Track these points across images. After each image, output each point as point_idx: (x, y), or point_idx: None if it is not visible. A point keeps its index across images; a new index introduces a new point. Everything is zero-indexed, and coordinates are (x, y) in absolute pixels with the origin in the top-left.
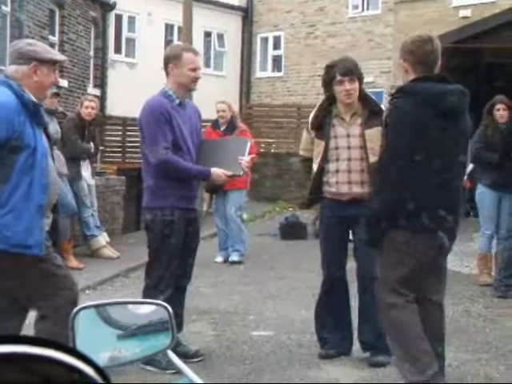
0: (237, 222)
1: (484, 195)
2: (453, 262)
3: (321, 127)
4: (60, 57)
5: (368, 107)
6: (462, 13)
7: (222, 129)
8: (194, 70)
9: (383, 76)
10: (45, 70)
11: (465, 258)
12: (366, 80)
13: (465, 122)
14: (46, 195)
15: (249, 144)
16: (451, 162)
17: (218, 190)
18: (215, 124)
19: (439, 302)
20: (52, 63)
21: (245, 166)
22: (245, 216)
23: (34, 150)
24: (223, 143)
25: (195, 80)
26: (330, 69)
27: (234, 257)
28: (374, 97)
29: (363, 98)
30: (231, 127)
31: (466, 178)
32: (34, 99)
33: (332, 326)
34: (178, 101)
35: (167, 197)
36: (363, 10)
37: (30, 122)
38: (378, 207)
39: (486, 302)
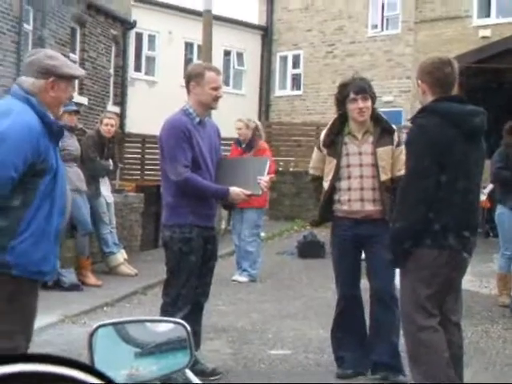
0: (249, 241)
1: (504, 216)
2: (472, 283)
3: (333, 145)
4: (79, 72)
5: (380, 126)
6: (482, 33)
7: (242, 146)
8: (216, 88)
9: (402, 95)
10: (62, 86)
11: (484, 278)
12: (385, 99)
13: (483, 143)
14: (63, 218)
15: (268, 164)
16: (473, 183)
17: (234, 207)
18: (237, 141)
19: (458, 322)
20: (70, 78)
21: (264, 185)
22: (263, 234)
23: (56, 172)
24: (242, 162)
25: (216, 99)
26: (343, 87)
27: (241, 277)
28: (385, 116)
29: (375, 116)
30: (250, 145)
31: (485, 198)
32: (58, 121)
33: (349, 346)
34: (198, 119)
35: (186, 214)
36: (382, 29)
37: (53, 143)
38: (402, 226)
39: (505, 323)
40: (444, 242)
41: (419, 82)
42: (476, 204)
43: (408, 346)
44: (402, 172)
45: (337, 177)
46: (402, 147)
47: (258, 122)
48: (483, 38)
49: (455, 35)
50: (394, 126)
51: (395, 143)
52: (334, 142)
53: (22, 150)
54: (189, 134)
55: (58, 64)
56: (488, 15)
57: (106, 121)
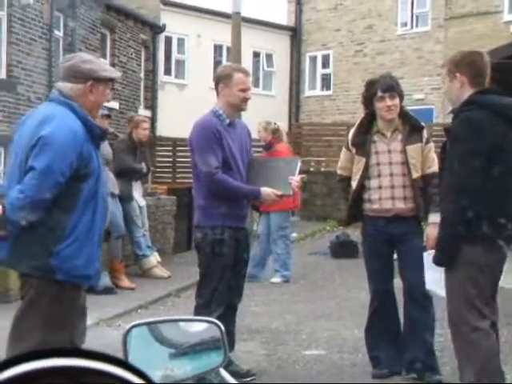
0: (279, 244)
1: None
2: (506, 280)
3: (361, 144)
4: (116, 74)
5: (409, 123)
6: None
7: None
8: (244, 90)
9: (434, 93)
10: (101, 89)
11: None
12: (416, 97)
13: None
14: (105, 222)
15: (299, 164)
16: None
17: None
18: (265, 147)
19: (495, 322)
20: (108, 81)
21: (295, 185)
22: (294, 235)
23: (98, 176)
24: (274, 162)
25: (245, 100)
26: (370, 86)
27: (275, 278)
28: (416, 114)
29: (403, 114)
30: (267, 147)
31: None
32: (99, 125)
33: (383, 345)
34: (228, 120)
35: (217, 216)
36: (412, 27)
37: (94, 147)
38: (452, 223)
39: None
40: (492, 239)
41: (457, 74)
42: None
43: (459, 346)
44: (432, 169)
45: (366, 175)
46: (431, 144)
47: (279, 124)
48: None
49: (486, 31)
50: (422, 123)
51: (424, 140)
52: (362, 141)
53: (67, 155)
54: (219, 136)
55: (94, 67)
56: None
57: (144, 125)
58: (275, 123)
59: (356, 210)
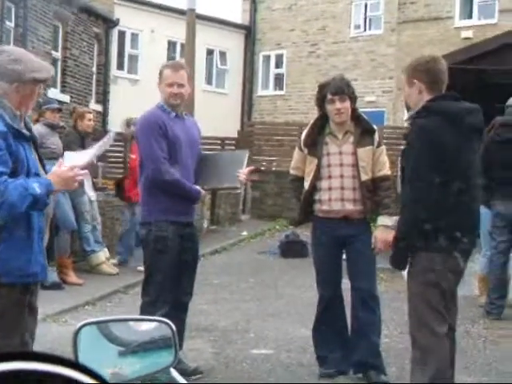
0: None
1: (485, 215)
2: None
3: (314, 145)
4: (45, 75)
5: (361, 126)
6: (464, 34)
7: None
8: (170, 85)
9: (385, 95)
10: (28, 90)
11: (465, 278)
12: (367, 99)
13: (479, 142)
14: (44, 216)
15: (247, 156)
16: (470, 182)
17: None
18: None
19: (453, 327)
20: (35, 83)
21: (242, 178)
22: (245, 233)
23: (28, 172)
24: (222, 156)
25: (172, 95)
26: (322, 88)
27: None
28: (368, 116)
29: (356, 116)
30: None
31: None
32: (25, 124)
33: (330, 345)
34: (173, 113)
35: (161, 212)
36: (365, 29)
37: (24, 143)
38: (410, 227)
39: (486, 324)
40: (453, 244)
41: (414, 81)
42: (473, 204)
43: (416, 348)
44: (383, 172)
45: (318, 176)
46: (383, 147)
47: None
48: (465, 39)
49: (437, 36)
50: (374, 127)
51: (376, 143)
52: (315, 142)
53: None
54: (164, 127)
55: (21, 69)
56: (470, 16)
57: (89, 116)
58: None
59: (307, 210)
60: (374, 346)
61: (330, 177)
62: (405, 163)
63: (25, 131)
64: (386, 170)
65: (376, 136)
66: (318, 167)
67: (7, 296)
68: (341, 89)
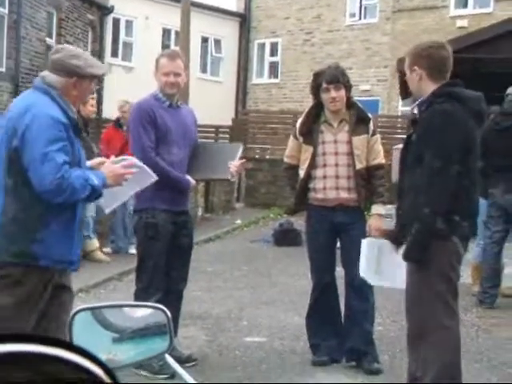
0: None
1: (481, 205)
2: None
3: (309, 133)
4: (102, 70)
5: (355, 114)
6: (459, 23)
7: (124, 128)
8: (167, 74)
9: (380, 84)
10: (85, 85)
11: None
12: (362, 88)
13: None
14: (85, 209)
15: (241, 149)
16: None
17: None
18: (117, 123)
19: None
20: (92, 78)
21: (233, 170)
22: (239, 221)
23: (79, 163)
24: (215, 147)
25: (168, 84)
26: (317, 76)
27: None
28: (362, 105)
29: (351, 105)
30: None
31: None
32: (78, 117)
33: (323, 333)
34: (168, 102)
35: (152, 199)
36: (360, 18)
37: (75, 136)
38: (429, 217)
39: (479, 312)
40: (463, 233)
41: (415, 67)
42: (472, 189)
43: (428, 348)
44: (377, 161)
45: (313, 165)
46: (377, 136)
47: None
48: (460, 28)
49: (432, 25)
50: (369, 115)
51: (371, 132)
52: (310, 131)
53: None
54: (154, 116)
55: (80, 64)
56: (465, 5)
57: (91, 101)
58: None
59: (303, 198)
60: (366, 334)
61: (324, 165)
62: (424, 148)
63: (80, 126)
64: (381, 159)
65: (371, 125)
66: (314, 155)
67: (39, 278)
68: (336, 77)
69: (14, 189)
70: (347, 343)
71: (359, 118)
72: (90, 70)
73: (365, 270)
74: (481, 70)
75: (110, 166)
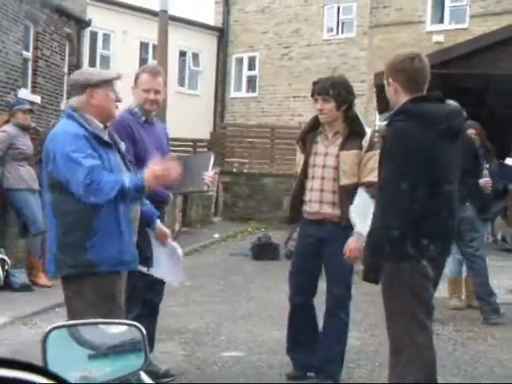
0: None
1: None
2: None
3: (305, 142)
4: (111, 75)
5: (350, 128)
6: (436, 38)
7: None
8: (147, 91)
9: (357, 99)
10: (100, 92)
11: None
12: None
13: (459, 145)
14: (131, 211)
15: (212, 158)
16: (450, 185)
17: None
18: None
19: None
20: (104, 84)
21: (208, 181)
22: (216, 235)
23: (111, 170)
24: (189, 159)
25: (148, 101)
26: (313, 85)
27: None
28: (362, 119)
29: (349, 117)
30: None
31: None
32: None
33: (299, 348)
34: (143, 118)
35: None
36: (338, 33)
37: (103, 148)
38: (392, 235)
39: (455, 326)
40: (428, 252)
41: (390, 80)
42: (443, 211)
43: (405, 367)
44: (368, 179)
45: (304, 175)
46: (373, 153)
47: None
48: (436, 43)
49: (409, 40)
50: (367, 131)
51: (365, 148)
52: (306, 140)
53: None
54: (131, 131)
55: (89, 75)
56: (441, 21)
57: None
58: None
59: (295, 209)
60: (333, 353)
61: (313, 177)
62: (381, 169)
63: (106, 138)
64: (372, 177)
65: (364, 140)
66: (305, 166)
67: (101, 285)
68: (324, 90)
69: (59, 206)
70: (317, 359)
71: (352, 132)
72: (99, 76)
73: (355, 215)
74: (455, 85)
75: (151, 167)
